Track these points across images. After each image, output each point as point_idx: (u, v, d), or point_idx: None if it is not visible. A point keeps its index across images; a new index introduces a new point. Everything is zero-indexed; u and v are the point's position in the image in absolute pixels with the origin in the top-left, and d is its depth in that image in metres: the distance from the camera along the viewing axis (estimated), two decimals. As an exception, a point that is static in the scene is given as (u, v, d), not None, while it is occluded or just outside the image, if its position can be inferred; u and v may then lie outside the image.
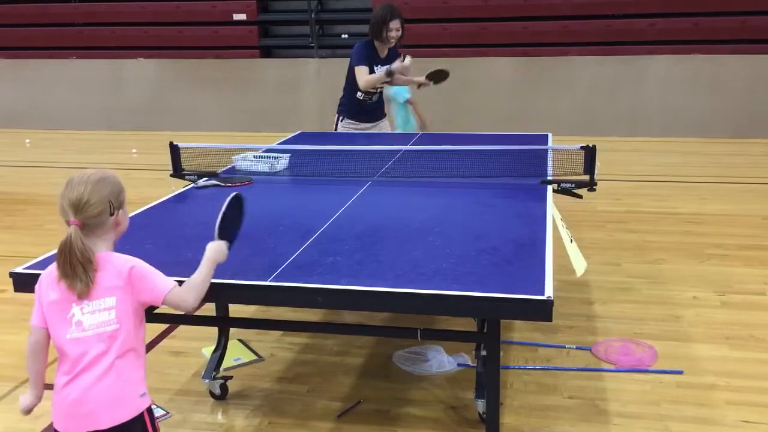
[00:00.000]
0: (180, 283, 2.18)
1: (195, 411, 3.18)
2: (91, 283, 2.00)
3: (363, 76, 5.01)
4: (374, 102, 5.21)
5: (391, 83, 5.20)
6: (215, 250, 2.28)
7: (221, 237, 2.33)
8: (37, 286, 2.10)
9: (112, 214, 2.07)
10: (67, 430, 2.02)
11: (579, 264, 3.44)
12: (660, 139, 9.04)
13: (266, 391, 3.33)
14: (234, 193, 2.44)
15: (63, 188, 2.05)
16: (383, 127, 5.34)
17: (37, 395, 2.15)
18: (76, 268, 1.98)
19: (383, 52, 5.10)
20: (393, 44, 5.07)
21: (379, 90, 5.19)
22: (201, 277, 2.20)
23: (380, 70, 5.02)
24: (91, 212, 2.02)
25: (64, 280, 2.01)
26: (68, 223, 2.02)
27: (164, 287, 2.11)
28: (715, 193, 6.53)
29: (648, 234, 5.40)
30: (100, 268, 2.03)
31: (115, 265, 2.06)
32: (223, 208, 2.35)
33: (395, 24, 4.96)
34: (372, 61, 5.05)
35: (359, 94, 5.10)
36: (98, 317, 2.01)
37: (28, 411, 2.14)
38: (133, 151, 9.21)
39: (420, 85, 5.28)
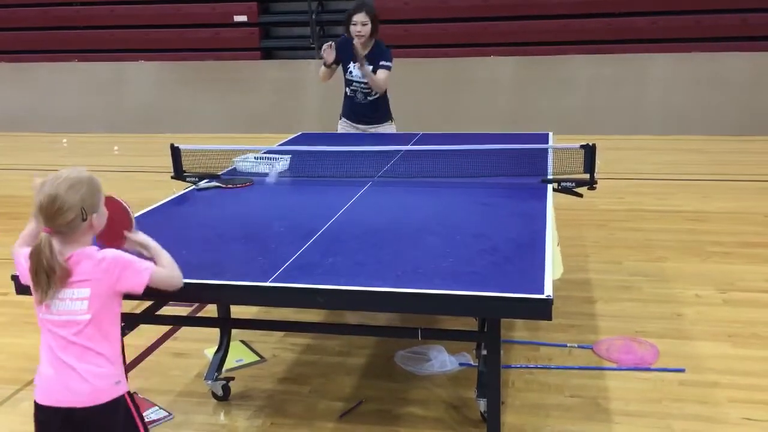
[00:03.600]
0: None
1: (197, 412, 3.18)
2: (49, 294, 2.02)
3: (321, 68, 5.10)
4: (363, 102, 5.08)
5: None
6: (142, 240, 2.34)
7: None
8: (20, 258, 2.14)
9: (84, 220, 2.05)
10: (45, 402, 2.06)
11: (557, 269, 3.43)
12: (661, 137, 9.03)
13: (268, 392, 3.34)
14: None
15: (36, 190, 2.04)
16: (385, 130, 5.21)
17: None
18: (39, 275, 2.01)
19: (364, 50, 4.94)
20: (361, 40, 4.87)
21: (359, 89, 5.02)
22: (167, 255, 2.26)
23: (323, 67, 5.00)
24: (63, 220, 2.01)
25: (31, 281, 2.06)
26: (42, 229, 2.03)
27: (145, 270, 2.12)
28: (717, 191, 6.52)
29: (650, 232, 5.39)
30: (77, 262, 2.04)
31: (92, 257, 2.07)
32: None
33: (359, 17, 4.83)
34: (346, 58, 4.96)
35: (346, 89, 5.10)
36: (69, 305, 2.04)
37: None
38: (115, 148, 9.34)
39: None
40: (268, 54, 10.70)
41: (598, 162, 3.65)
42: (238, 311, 3.49)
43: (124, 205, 2.35)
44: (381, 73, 4.98)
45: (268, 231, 2.97)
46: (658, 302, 4.15)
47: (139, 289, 2.12)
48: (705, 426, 2.96)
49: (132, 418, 2.11)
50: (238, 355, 3.64)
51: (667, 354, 3.54)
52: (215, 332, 3.46)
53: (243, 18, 10.47)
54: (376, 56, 5.03)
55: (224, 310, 3.36)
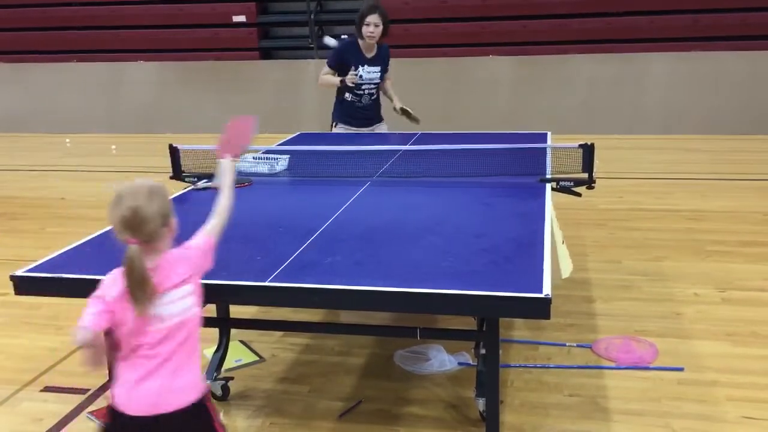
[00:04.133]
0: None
1: (197, 412, 3.18)
2: (147, 305, 2.00)
3: (321, 75, 5.05)
4: (365, 105, 5.07)
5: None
6: (232, 167, 2.51)
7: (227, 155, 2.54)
8: (104, 287, 2.05)
9: (165, 225, 2.06)
10: (132, 411, 2.02)
11: (566, 266, 3.44)
12: (660, 136, 9.03)
13: (268, 392, 3.34)
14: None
15: (112, 205, 2.00)
16: (380, 130, 5.23)
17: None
18: (136, 288, 1.98)
19: (370, 52, 4.96)
20: (372, 41, 4.88)
21: (367, 91, 5.04)
22: (231, 197, 2.37)
23: (335, 78, 4.97)
24: (148, 229, 2.00)
25: (128, 296, 2.00)
26: (126, 242, 1.99)
27: (209, 240, 2.21)
28: (717, 190, 6.52)
29: (649, 231, 5.40)
30: (167, 266, 2.06)
31: (180, 256, 2.11)
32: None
33: (372, 18, 4.79)
34: (354, 60, 4.93)
35: (347, 94, 5.04)
36: (179, 305, 2.06)
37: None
38: (113, 147, 9.41)
39: (398, 111, 5.15)
40: (266, 54, 10.70)
41: (597, 161, 3.65)
42: (237, 311, 3.49)
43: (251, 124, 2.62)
44: (389, 82, 5.17)
45: (266, 231, 2.98)
46: (657, 301, 4.15)
47: (212, 265, 2.21)
48: (704, 425, 2.96)
49: (210, 416, 2.12)
50: (237, 354, 3.64)
51: (666, 353, 3.54)
52: (214, 332, 3.46)
53: (242, 18, 10.47)
54: (384, 61, 5.06)
55: (223, 310, 3.36)
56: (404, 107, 5.13)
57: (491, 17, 9.72)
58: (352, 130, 5.14)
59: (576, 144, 3.70)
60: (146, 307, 2.00)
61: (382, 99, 5.24)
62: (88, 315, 1.98)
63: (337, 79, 4.96)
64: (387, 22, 4.89)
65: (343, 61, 4.97)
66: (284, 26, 10.88)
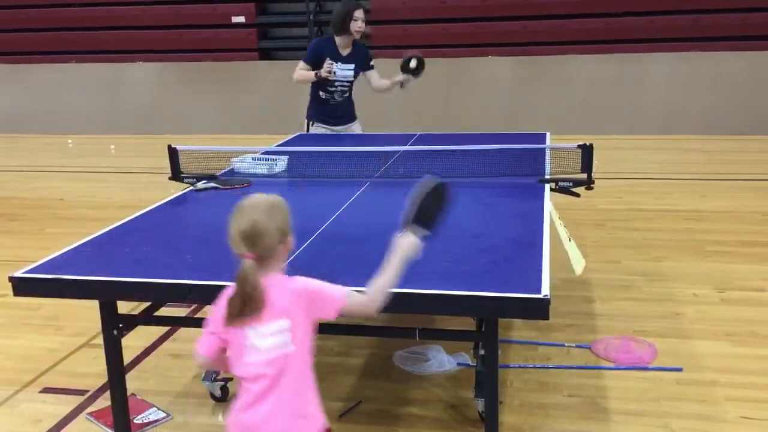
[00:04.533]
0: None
1: (196, 413, 3.18)
2: (253, 315, 1.94)
3: (297, 70, 5.06)
4: (339, 102, 5.11)
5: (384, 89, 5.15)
6: (409, 246, 2.11)
7: (414, 226, 2.17)
8: (215, 307, 2.04)
9: (282, 242, 2.01)
10: None
11: (578, 262, 3.44)
12: (660, 136, 9.03)
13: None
14: (434, 182, 2.27)
15: (233, 217, 1.98)
16: (354, 130, 5.27)
17: None
18: (236, 302, 1.94)
19: (346, 49, 5.01)
20: (358, 36, 4.95)
21: (340, 88, 5.07)
22: (391, 280, 2.04)
23: (310, 72, 4.98)
24: (264, 244, 1.96)
25: (226, 309, 1.97)
26: (242, 256, 1.95)
27: (340, 298, 2.01)
28: (716, 190, 6.52)
29: (648, 232, 5.40)
30: (272, 291, 1.96)
31: (286, 287, 1.99)
32: (420, 195, 2.20)
33: (360, 14, 4.88)
34: (330, 57, 4.96)
35: (320, 92, 5.08)
36: (272, 340, 1.95)
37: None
38: (112, 147, 9.56)
39: (402, 84, 5.10)
40: (266, 55, 10.70)
41: (596, 162, 3.66)
42: (236, 312, 3.48)
43: None
44: (377, 76, 5.14)
45: (265, 231, 2.97)
46: (656, 301, 4.15)
47: (332, 316, 2.01)
48: (703, 425, 2.96)
49: None
50: (236, 355, 3.63)
51: (665, 353, 3.54)
52: (213, 333, 3.46)
53: (241, 19, 10.47)
54: (364, 56, 5.11)
55: (222, 311, 3.35)
56: (404, 65, 5.06)
57: (490, 17, 9.73)
58: (331, 129, 5.18)
59: (575, 144, 3.70)
60: (250, 319, 1.93)
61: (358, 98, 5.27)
62: (201, 339, 2.01)
63: (311, 74, 5.01)
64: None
65: (320, 57, 5.01)
66: (283, 27, 10.88)
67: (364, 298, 2.03)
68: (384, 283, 2.03)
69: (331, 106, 5.13)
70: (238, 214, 1.98)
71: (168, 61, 10.65)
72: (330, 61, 4.92)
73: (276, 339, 1.95)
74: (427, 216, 2.18)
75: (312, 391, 2.03)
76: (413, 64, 5.03)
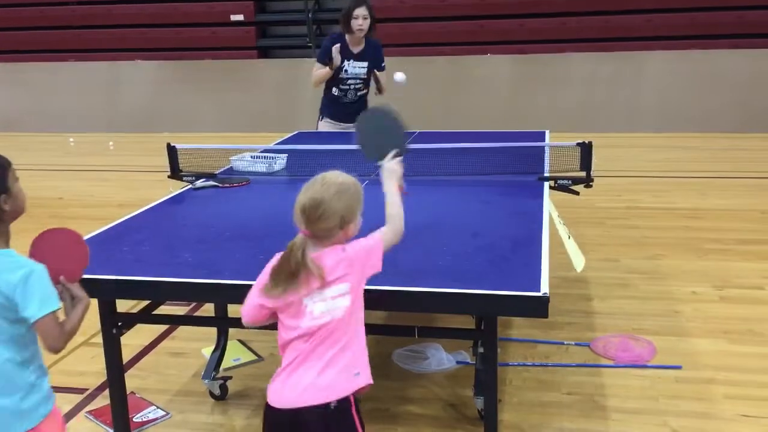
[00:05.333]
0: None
1: (195, 411, 3.18)
2: (308, 284, 1.97)
3: (313, 71, 5.05)
4: (352, 101, 5.09)
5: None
6: (391, 171, 2.26)
7: (381, 154, 2.32)
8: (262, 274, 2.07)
9: (341, 228, 2.01)
10: (276, 403, 2.02)
11: (578, 260, 3.45)
12: (658, 134, 9.04)
13: (266, 391, 3.33)
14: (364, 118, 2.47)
15: (304, 188, 2.01)
16: None
17: None
18: (280, 274, 1.97)
19: (357, 47, 4.99)
20: (361, 34, 4.92)
21: (353, 86, 5.06)
22: (398, 202, 2.16)
23: (324, 68, 4.96)
24: (321, 225, 1.97)
25: (270, 278, 2.00)
26: (299, 228, 1.99)
27: (379, 245, 2.07)
28: (714, 188, 6.53)
29: (647, 230, 5.40)
30: (326, 260, 1.99)
31: (341, 254, 2.02)
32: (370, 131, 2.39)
33: (361, 11, 4.84)
34: (342, 55, 4.95)
35: (333, 89, 5.07)
36: (330, 304, 1.99)
37: None
38: (110, 144, 9.57)
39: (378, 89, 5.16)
40: (264, 53, 10.70)
41: (595, 160, 3.66)
42: (235, 310, 3.48)
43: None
44: (385, 76, 5.13)
45: (265, 230, 2.97)
46: (655, 299, 4.15)
47: (380, 266, 2.07)
48: (701, 422, 2.97)
49: (352, 421, 2.07)
50: (235, 354, 3.64)
51: (663, 351, 3.55)
52: (212, 331, 3.47)
53: (239, 17, 10.46)
54: (375, 55, 5.07)
55: (221, 309, 3.35)
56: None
57: (489, 16, 9.72)
58: (339, 125, 5.15)
59: (574, 142, 3.70)
60: (285, 292, 1.96)
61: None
62: (246, 306, 2.06)
63: (325, 69, 4.99)
64: (374, 16, 4.96)
65: (331, 55, 4.98)
66: (282, 25, 10.88)
67: (390, 231, 2.12)
68: (394, 209, 2.15)
69: (343, 104, 5.10)
70: (308, 186, 1.99)
71: (166, 59, 10.64)
72: (337, 47, 4.89)
73: (334, 303, 1.99)
74: (390, 143, 2.35)
75: (363, 348, 2.06)
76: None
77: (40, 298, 1.86)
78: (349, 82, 5.05)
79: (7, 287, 1.85)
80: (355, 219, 2.06)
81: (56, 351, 1.92)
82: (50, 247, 2.05)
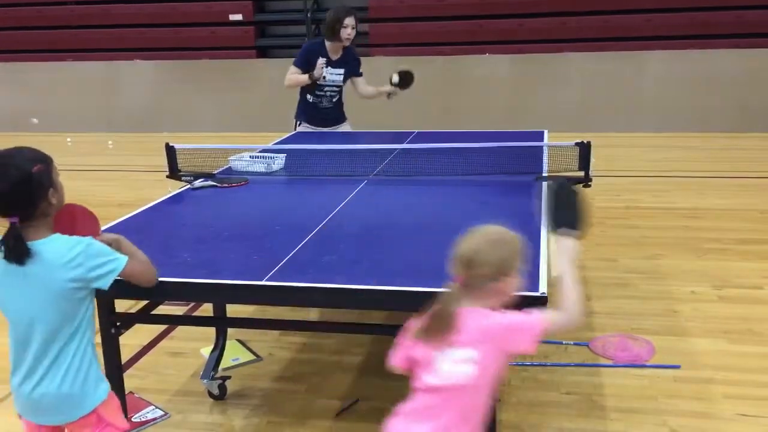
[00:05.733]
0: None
1: (194, 411, 3.18)
2: (443, 338, 1.92)
3: (288, 75, 5.04)
4: (326, 107, 5.09)
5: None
6: (567, 249, 2.11)
7: (562, 229, 2.17)
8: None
9: (495, 280, 1.95)
10: None
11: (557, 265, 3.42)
12: (657, 134, 9.04)
13: (265, 391, 3.34)
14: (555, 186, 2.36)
15: (462, 238, 1.98)
16: (344, 129, 5.24)
17: None
18: (434, 323, 1.94)
19: (336, 54, 4.97)
20: (348, 43, 4.91)
21: (329, 93, 5.06)
22: (576, 286, 2.00)
23: (303, 76, 4.95)
24: (474, 274, 1.93)
25: (424, 328, 1.97)
26: (453, 277, 1.96)
27: (536, 327, 1.94)
28: (713, 188, 6.53)
29: (646, 229, 5.40)
30: (468, 320, 1.93)
31: (481, 320, 1.94)
32: (550, 200, 2.28)
33: (350, 21, 4.83)
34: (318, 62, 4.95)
35: (308, 96, 5.05)
36: (455, 367, 1.92)
37: None
38: (109, 143, 9.61)
39: (389, 94, 5.15)
40: (263, 53, 10.69)
41: (593, 159, 3.65)
42: (234, 310, 3.49)
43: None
44: (364, 83, 5.15)
45: (263, 230, 2.98)
46: (654, 299, 4.16)
47: (531, 347, 1.93)
48: (700, 422, 2.97)
49: None
50: (234, 354, 3.64)
51: (662, 350, 3.55)
52: (211, 331, 3.46)
53: (238, 17, 10.46)
54: (354, 62, 5.08)
55: (220, 309, 3.35)
56: (395, 77, 5.10)
57: (488, 15, 9.72)
58: (315, 128, 5.15)
59: (572, 142, 3.70)
60: (436, 341, 1.92)
61: (346, 98, 5.24)
62: (395, 348, 2.06)
63: (304, 77, 4.96)
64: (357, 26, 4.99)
65: (310, 61, 4.96)
66: (281, 25, 10.88)
67: (563, 317, 1.98)
68: (573, 294, 1.99)
69: (318, 109, 5.10)
70: (467, 235, 1.97)
71: (165, 59, 10.64)
72: (322, 61, 4.89)
73: (459, 367, 1.92)
74: (567, 217, 2.23)
75: (478, 424, 1.97)
76: (395, 79, 5.07)
77: (108, 255, 2.08)
78: (326, 89, 5.04)
79: (72, 263, 2.01)
80: (512, 273, 1.98)
81: (154, 281, 2.24)
82: (69, 222, 2.17)
